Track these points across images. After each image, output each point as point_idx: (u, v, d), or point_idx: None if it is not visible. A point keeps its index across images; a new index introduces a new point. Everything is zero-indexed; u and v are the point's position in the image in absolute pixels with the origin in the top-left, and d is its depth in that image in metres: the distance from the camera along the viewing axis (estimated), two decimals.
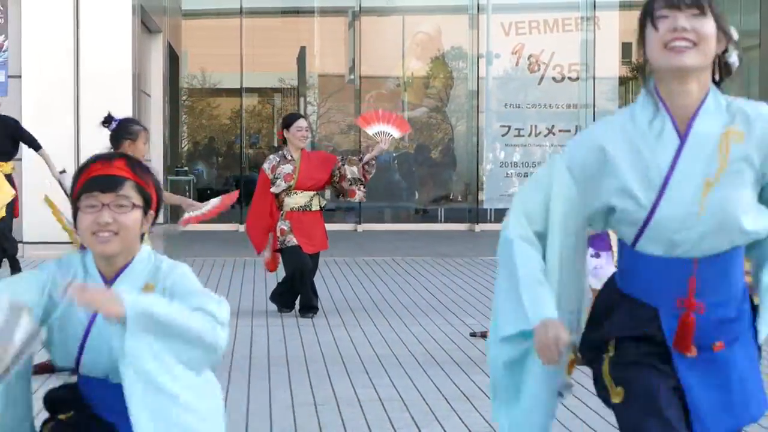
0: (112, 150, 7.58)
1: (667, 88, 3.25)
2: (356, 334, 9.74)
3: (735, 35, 3.26)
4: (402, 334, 9.75)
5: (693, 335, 3.21)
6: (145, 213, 3.49)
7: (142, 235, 3.57)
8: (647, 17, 3.23)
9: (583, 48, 23.26)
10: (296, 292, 10.80)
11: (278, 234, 10.64)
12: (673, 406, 3.21)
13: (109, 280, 3.45)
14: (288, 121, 11.05)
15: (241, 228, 21.45)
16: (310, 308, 10.71)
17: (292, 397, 7.29)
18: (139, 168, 3.52)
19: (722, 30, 3.21)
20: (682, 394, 3.28)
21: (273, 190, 10.74)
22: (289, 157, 10.84)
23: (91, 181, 3.40)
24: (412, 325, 10.25)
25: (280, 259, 10.86)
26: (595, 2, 23.27)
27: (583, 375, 7.11)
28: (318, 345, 9.22)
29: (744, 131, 3.17)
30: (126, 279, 3.45)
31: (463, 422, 6.61)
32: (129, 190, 3.41)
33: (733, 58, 3.25)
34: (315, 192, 10.90)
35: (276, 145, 25.78)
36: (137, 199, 3.42)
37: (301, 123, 11.03)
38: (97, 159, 3.51)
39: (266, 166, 10.93)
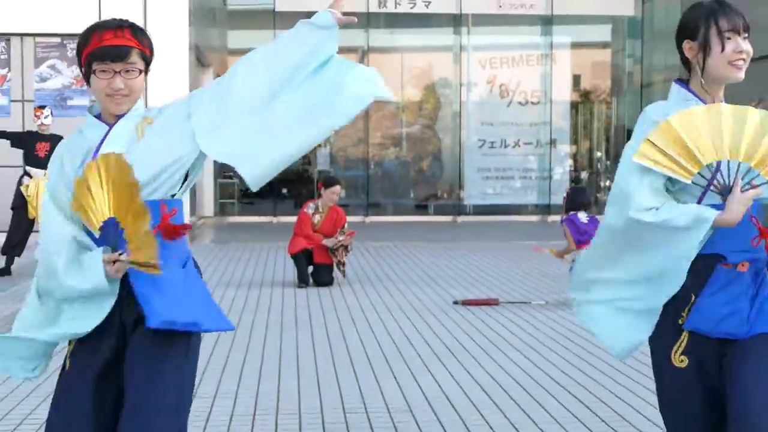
0: None
1: (707, 88, 3.26)
2: (364, 301, 9.78)
3: None
4: (400, 302, 9.78)
5: None
6: (147, 72, 3.25)
7: None
8: (712, 33, 3.22)
9: (542, 78, 23.27)
10: (305, 273, 10.99)
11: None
12: None
13: (110, 124, 3.21)
14: (327, 183, 11.36)
15: (275, 220, 21.58)
16: (320, 282, 10.97)
17: (314, 348, 7.37)
18: (140, 34, 3.23)
19: None
20: None
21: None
22: (321, 210, 11.20)
23: (103, 51, 3.12)
24: (407, 293, 10.30)
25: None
26: (552, 42, 23.26)
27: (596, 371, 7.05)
28: (334, 310, 9.26)
29: None
30: (125, 121, 3.20)
31: (447, 371, 6.65)
32: (135, 58, 3.16)
33: None
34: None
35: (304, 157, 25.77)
36: (141, 65, 3.18)
37: (336, 189, 11.37)
38: (107, 27, 3.19)
39: (307, 211, 11.29)
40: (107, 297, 3.09)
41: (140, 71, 3.18)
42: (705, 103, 3.23)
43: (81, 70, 3.23)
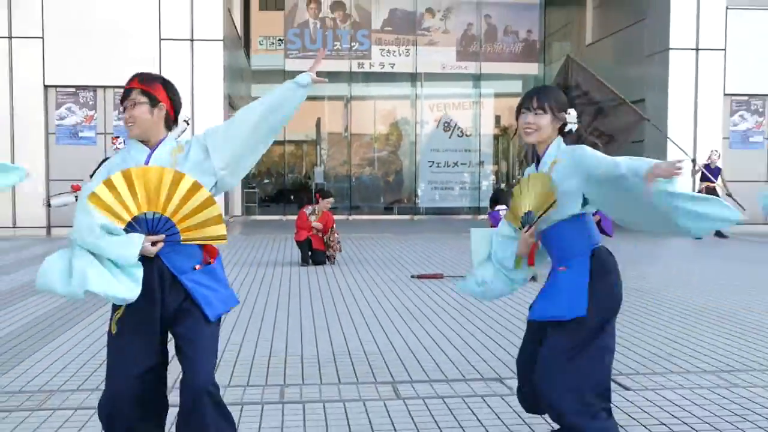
0: None
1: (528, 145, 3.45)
2: (348, 276, 9.76)
3: (569, 116, 3.30)
4: (373, 276, 9.78)
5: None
6: (153, 106, 3.15)
7: (172, 124, 3.24)
8: (518, 110, 3.34)
9: (473, 118, 23.38)
10: (307, 256, 10.93)
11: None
12: None
13: (151, 147, 3.16)
14: (324, 195, 11.22)
15: (284, 218, 21.52)
16: (317, 262, 10.91)
17: (312, 309, 7.38)
18: (147, 80, 3.20)
19: (557, 117, 3.27)
20: None
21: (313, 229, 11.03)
22: (317, 213, 11.08)
23: (122, 95, 3.20)
24: (378, 270, 10.28)
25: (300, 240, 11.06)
26: (480, 93, 23.39)
27: None
28: (327, 282, 9.26)
29: (565, 159, 3.21)
30: (161, 148, 3.15)
31: (407, 325, 6.66)
32: (135, 95, 3.13)
33: (569, 126, 3.32)
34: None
35: (305, 172, 25.82)
36: (143, 99, 3.13)
37: (330, 200, 11.25)
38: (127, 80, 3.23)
39: (305, 211, 11.13)
40: (136, 268, 2.99)
41: (140, 104, 3.14)
42: (539, 156, 3.33)
43: None
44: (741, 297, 8.14)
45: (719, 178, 15.35)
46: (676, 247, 13.73)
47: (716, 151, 15.76)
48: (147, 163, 3.14)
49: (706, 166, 15.27)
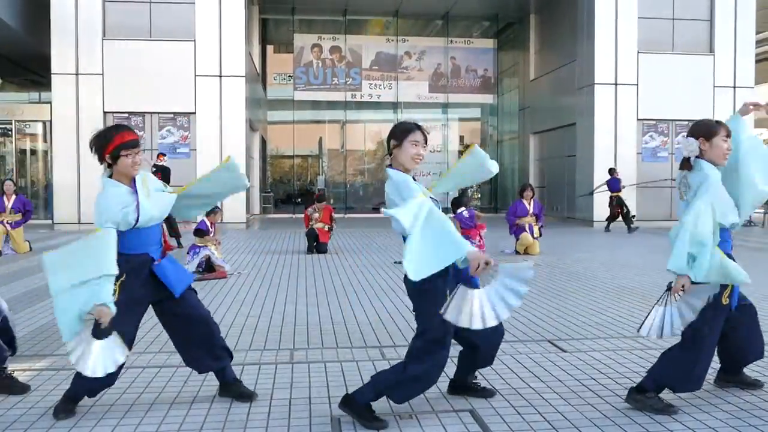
0: None
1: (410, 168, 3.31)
2: (344, 262, 9.69)
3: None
4: (364, 262, 9.71)
5: None
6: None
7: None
8: (405, 140, 3.25)
9: (443, 138, 23.41)
10: (312, 246, 10.81)
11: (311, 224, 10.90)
12: None
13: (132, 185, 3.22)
14: (320, 199, 11.12)
15: (293, 216, 21.40)
16: (320, 251, 10.79)
17: (315, 288, 7.30)
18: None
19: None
20: None
21: (311, 221, 10.90)
22: (318, 210, 10.95)
23: (127, 143, 3.17)
24: (368, 257, 10.20)
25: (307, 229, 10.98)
26: (447, 117, 23.39)
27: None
28: (327, 267, 9.19)
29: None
30: (140, 182, 3.25)
31: (390, 300, 6.58)
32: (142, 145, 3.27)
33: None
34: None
35: (309, 180, 25.69)
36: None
37: (323, 203, 11.09)
38: (121, 129, 3.23)
39: (309, 210, 10.97)
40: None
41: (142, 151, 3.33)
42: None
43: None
44: (653, 277, 8.14)
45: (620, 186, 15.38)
46: (601, 240, 13.76)
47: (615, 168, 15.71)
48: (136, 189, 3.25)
49: (613, 179, 15.30)
